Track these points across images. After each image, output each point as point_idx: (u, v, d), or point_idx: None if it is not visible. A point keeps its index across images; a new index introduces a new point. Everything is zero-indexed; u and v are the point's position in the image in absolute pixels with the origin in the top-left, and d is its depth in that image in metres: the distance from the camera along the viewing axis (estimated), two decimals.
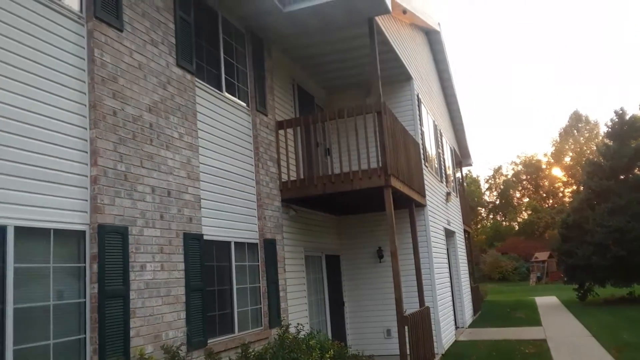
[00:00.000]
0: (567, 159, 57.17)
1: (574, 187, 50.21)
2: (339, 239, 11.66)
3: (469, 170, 58.85)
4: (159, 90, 5.98)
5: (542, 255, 40.75)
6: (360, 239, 11.62)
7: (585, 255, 19.25)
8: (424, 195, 11.12)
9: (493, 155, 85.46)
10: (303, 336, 7.68)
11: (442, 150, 15.11)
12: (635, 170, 21.03)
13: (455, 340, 12.78)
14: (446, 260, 13.54)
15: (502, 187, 61.40)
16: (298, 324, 8.13)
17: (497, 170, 62.95)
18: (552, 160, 59.06)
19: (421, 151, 11.41)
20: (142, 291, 5.35)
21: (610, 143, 22.24)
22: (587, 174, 22.81)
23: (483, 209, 61.10)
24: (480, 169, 70.60)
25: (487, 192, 62.91)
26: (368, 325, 11.34)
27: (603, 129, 24.88)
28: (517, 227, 56.42)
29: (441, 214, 13.44)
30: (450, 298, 13.63)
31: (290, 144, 9.13)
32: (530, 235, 49.84)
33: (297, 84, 10.28)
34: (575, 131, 57.51)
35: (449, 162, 16.55)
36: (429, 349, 9.90)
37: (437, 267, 11.51)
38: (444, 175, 14.82)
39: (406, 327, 8.34)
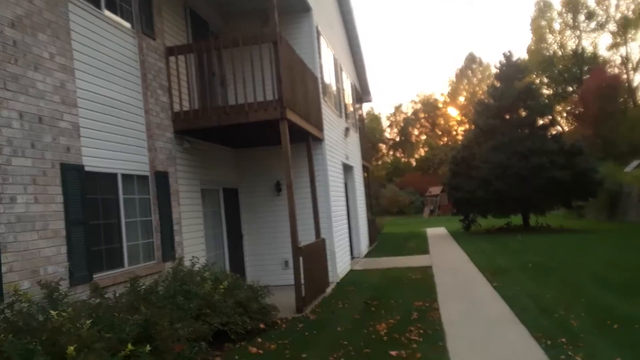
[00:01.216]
0: (462, 99, 60.02)
1: (467, 126, 53.18)
2: (237, 172, 11.53)
3: (371, 107, 60.25)
4: (23, 3, 5.32)
5: (435, 190, 43.44)
6: (259, 173, 11.58)
7: (470, 189, 20.74)
8: (321, 130, 11.19)
9: (396, 93, 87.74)
10: (198, 269, 7.65)
11: (342, 85, 15.18)
12: (519, 111, 22.58)
13: (351, 270, 13.40)
14: (344, 194, 13.93)
15: (402, 124, 63.64)
16: (193, 257, 8.05)
17: (398, 108, 64.98)
18: (448, 100, 61.81)
19: (320, 85, 11.36)
20: (14, 225, 4.97)
21: (498, 84, 23.57)
22: (476, 113, 24.18)
23: (384, 146, 63.25)
24: (382, 106, 72.91)
25: (388, 129, 65.01)
26: (267, 257, 11.54)
27: (494, 71, 26.24)
28: (414, 164, 59.29)
29: (340, 148, 13.67)
30: (347, 230, 14.16)
31: (182, 72, 8.66)
32: (426, 171, 52.68)
33: (190, 8, 9.63)
34: (469, 72, 60.20)
35: (349, 98, 16.70)
36: (324, 278, 10.30)
37: (334, 200, 11.81)
38: (343, 110, 14.97)
39: (301, 258, 8.57)
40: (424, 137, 62.94)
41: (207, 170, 9.76)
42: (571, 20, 43.80)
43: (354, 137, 17.22)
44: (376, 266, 13.85)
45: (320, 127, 11.06)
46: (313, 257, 9.40)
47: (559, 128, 34.41)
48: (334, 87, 13.69)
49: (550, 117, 24.03)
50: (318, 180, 10.99)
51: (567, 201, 21.60)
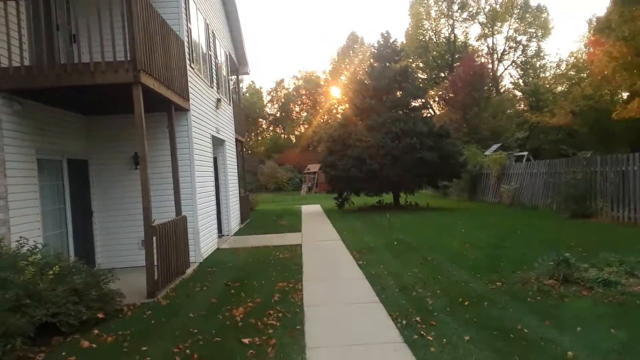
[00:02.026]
0: (343, 78, 60.90)
1: (347, 105, 54.12)
2: (88, 141, 10.31)
3: (252, 81, 59.08)
4: None
5: (313, 167, 43.84)
6: (114, 143, 10.48)
7: (345, 167, 20.84)
8: (187, 99, 10.32)
9: (278, 68, 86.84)
10: (26, 251, 6.59)
11: (215, 54, 14.26)
12: (395, 92, 23.08)
13: (217, 249, 12.77)
14: (212, 169, 13.15)
15: (283, 100, 63.18)
16: (21, 237, 6.95)
17: (280, 83, 64.27)
18: (330, 78, 62.39)
19: (186, 50, 10.43)
20: None
21: (376, 64, 23.90)
22: (354, 92, 24.37)
23: (264, 121, 62.51)
24: (264, 81, 71.48)
25: (269, 105, 64.24)
26: (121, 236, 10.55)
27: (373, 51, 26.59)
28: (294, 140, 59.37)
29: (209, 120, 12.85)
30: (215, 207, 13.44)
31: (13, 21, 7.31)
32: (306, 149, 53.00)
33: None
34: (351, 52, 61.11)
35: (222, 68, 15.81)
36: (183, 258, 9.58)
37: (199, 175, 11.04)
38: (215, 80, 14.10)
39: (154, 238, 7.81)
40: (304, 114, 63.12)
41: (46, 138, 8.51)
42: (446, 9, 46.05)
43: (227, 109, 16.41)
44: (244, 244, 13.35)
45: (185, 96, 10.18)
46: (171, 237, 8.65)
47: (430, 111, 36.23)
48: (204, 55, 12.75)
49: (423, 100, 24.92)
50: (182, 153, 10.17)
51: (434, 181, 22.63)
